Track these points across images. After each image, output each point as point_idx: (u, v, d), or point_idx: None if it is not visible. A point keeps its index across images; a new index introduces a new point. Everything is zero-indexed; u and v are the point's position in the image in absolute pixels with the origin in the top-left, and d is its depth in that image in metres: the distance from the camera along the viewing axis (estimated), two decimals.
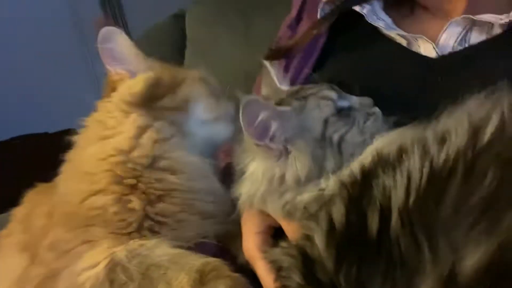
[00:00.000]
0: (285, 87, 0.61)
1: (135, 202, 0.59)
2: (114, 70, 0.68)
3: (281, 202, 0.52)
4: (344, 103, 0.56)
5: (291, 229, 0.53)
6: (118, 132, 0.63)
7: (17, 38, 2.33)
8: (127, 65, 0.67)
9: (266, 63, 0.65)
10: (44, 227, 0.62)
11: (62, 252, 0.57)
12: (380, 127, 0.55)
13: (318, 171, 0.51)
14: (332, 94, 0.56)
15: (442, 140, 0.41)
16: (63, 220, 0.60)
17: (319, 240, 0.42)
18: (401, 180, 0.39)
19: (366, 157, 0.49)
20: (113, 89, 0.67)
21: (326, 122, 0.53)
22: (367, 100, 0.57)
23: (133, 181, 0.60)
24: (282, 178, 0.52)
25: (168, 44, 1.27)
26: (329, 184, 0.49)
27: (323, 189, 0.50)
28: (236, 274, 0.53)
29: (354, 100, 0.57)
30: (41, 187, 0.71)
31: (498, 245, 0.34)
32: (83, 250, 0.57)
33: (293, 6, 0.80)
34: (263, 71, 0.66)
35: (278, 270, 0.50)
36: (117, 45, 0.66)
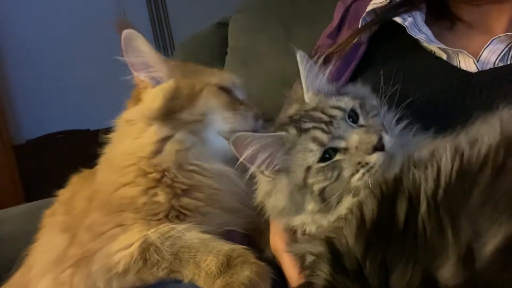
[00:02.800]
0: (309, 96, 0.57)
1: (161, 196, 0.62)
2: (138, 77, 0.69)
3: (280, 222, 0.54)
4: (337, 144, 0.50)
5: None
6: (142, 138, 0.66)
7: (66, 40, 2.44)
8: (149, 71, 0.68)
9: (301, 62, 0.57)
10: (84, 210, 0.66)
11: (98, 233, 0.61)
12: (375, 176, 0.47)
13: (295, 211, 0.52)
14: (323, 137, 0.50)
15: (474, 141, 0.41)
16: (100, 206, 0.64)
17: (348, 233, 0.44)
18: (431, 173, 0.40)
19: None
20: (138, 100, 0.69)
21: (308, 170, 0.50)
22: (366, 144, 0.48)
23: (157, 175, 0.63)
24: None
25: (209, 50, 1.29)
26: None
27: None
28: (262, 262, 0.55)
29: (352, 141, 0.49)
30: (85, 172, 0.76)
31: None
32: (116, 233, 0.60)
33: (335, 16, 0.81)
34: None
35: (302, 263, 0.51)
36: (138, 49, 0.67)
